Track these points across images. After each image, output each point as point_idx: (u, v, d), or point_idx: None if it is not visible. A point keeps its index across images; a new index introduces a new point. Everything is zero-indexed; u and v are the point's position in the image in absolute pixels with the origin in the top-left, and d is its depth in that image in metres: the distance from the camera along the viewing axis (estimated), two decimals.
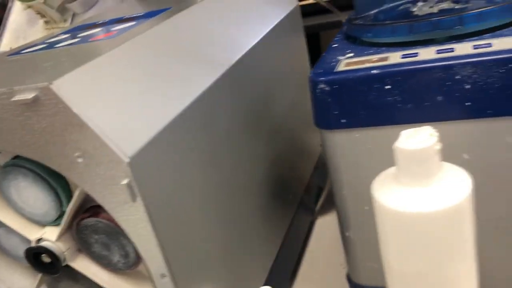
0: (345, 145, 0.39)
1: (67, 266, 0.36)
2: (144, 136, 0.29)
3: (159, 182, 0.30)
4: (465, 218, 0.31)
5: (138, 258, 0.35)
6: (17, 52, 0.40)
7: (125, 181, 0.28)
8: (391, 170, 0.33)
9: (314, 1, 0.79)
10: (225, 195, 0.38)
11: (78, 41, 0.38)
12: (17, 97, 0.27)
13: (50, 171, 0.33)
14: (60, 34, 0.45)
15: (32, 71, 0.31)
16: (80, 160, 0.28)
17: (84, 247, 0.36)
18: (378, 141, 0.38)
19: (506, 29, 0.36)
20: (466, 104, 0.34)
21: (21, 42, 0.72)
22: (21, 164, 0.33)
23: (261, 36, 0.47)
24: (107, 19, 0.46)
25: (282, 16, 0.53)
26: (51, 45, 0.39)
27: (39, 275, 0.39)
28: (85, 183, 0.29)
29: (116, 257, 0.35)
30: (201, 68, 0.37)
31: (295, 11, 0.57)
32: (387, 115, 0.36)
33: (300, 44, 0.59)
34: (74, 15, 0.68)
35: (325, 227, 0.60)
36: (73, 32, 0.43)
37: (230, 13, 0.46)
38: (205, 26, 0.41)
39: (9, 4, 0.75)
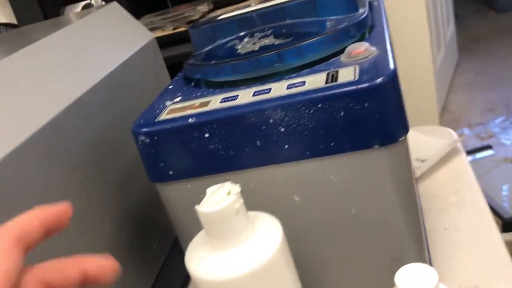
0: (178, 197, 0.37)
1: None
2: None
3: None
4: (280, 269, 0.29)
5: None
6: None
7: None
8: (202, 233, 0.31)
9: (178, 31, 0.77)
10: None
11: None
12: None
13: None
14: None
15: None
16: None
17: None
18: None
19: (323, 64, 0.35)
20: (285, 147, 0.33)
21: None
22: None
23: (104, 74, 0.44)
24: None
25: (132, 52, 0.50)
26: None
27: None
28: None
29: None
30: (5, 130, 0.34)
31: (149, 45, 0.55)
32: (210, 164, 0.34)
33: (161, 77, 0.56)
34: None
35: None
36: None
37: (56, 60, 0.42)
38: (17, 81, 0.38)
39: None
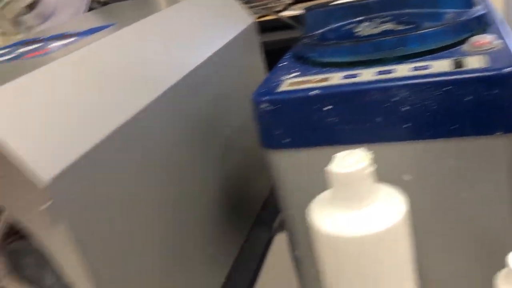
0: (289, 165, 0.39)
1: None
2: (65, 159, 0.28)
3: (84, 206, 0.29)
4: (400, 240, 0.31)
5: None
6: None
7: (44, 206, 0.26)
8: (327, 193, 0.33)
9: (276, 17, 0.79)
10: (165, 214, 0.37)
11: (12, 57, 0.37)
12: None
13: None
14: (4, 47, 0.43)
15: None
16: None
17: (15, 270, 0.34)
18: (320, 161, 0.37)
19: (446, 51, 0.36)
20: (405, 126, 0.34)
21: None
22: None
23: (208, 55, 0.46)
24: (51, 34, 0.45)
25: (235, 34, 0.52)
26: None
27: None
28: (8, 206, 0.28)
29: (50, 280, 0.34)
30: (137, 87, 0.36)
31: (250, 28, 0.57)
32: (327, 136, 0.36)
33: (256, 62, 0.58)
34: (28, 28, 0.66)
35: (284, 244, 0.59)
36: (14, 46, 0.42)
37: (177, 31, 0.45)
38: (147, 44, 0.41)
39: None
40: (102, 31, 0.40)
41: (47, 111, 0.29)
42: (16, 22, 0.66)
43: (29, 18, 0.64)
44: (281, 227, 0.61)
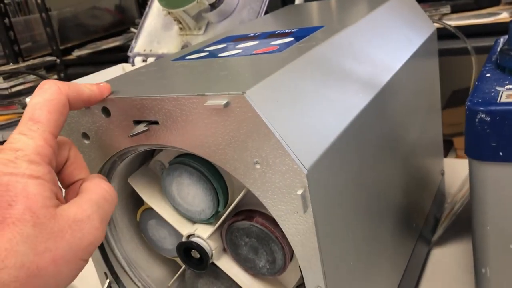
0: (498, 178, 0.38)
1: (212, 264, 0.38)
2: (319, 148, 0.30)
3: (326, 194, 0.31)
4: None
5: (284, 266, 0.36)
6: (179, 58, 0.43)
7: (300, 191, 0.29)
8: None
9: (441, 26, 0.77)
10: (369, 215, 0.38)
11: (241, 52, 0.40)
12: (209, 103, 0.29)
13: (213, 172, 0.35)
14: (214, 43, 0.47)
15: (217, 80, 0.33)
16: (257, 166, 0.30)
17: (231, 248, 0.37)
18: None
19: None
20: None
21: (155, 45, 0.77)
22: (188, 162, 0.35)
23: (405, 60, 0.47)
24: (256, 32, 0.48)
25: (422, 40, 0.52)
26: (213, 54, 0.42)
27: (181, 268, 0.42)
28: (258, 188, 0.30)
29: (262, 262, 0.36)
30: (358, 87, 0.38)
31: (433, 36, 0.57)
32: None
33: (434, 68, 0.58)
34: (208, 24, 0.71)
35: (441, 259, 0.58)
36: (226, 43, 0.46)
37: (379, 36, 0.46)
38: (359, 47, 0.42)
39: (146, 9, 0.81)
40: (315, 33, 0.42)
41: (304, 101, 0.31)
42: (199, 18, 0.71)
43: (211, 15, 0.69)
44: (439, 241, 0.60)
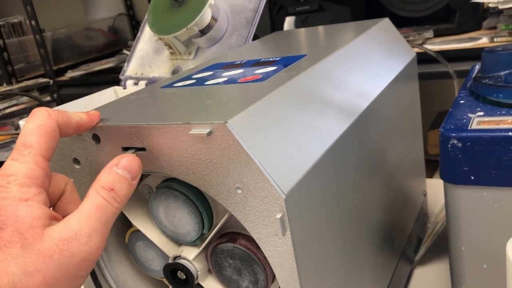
0: (470, 201, 0.40)
1: (197, 285, 0.40)
2: (297, 173, 0.32)
3: (305, 217, 0.32)
4: None
5: (266, 286, 0.37)
6: (168, 85, 0.45)
7: (278, 215, 0.30)
8: None
9: (422, 51, 0.80)
10: (349, 236, 0.39)
11: (226, 80, 0.42)
12: (193, 131, 0.31)
13: (198, 196, 0.37)
14: (202, 70, 0.49)
15: (202, 108, 0.35)
16: (239, 191, 0.31)
17: (216, 269, 0.39)
18: (508, 202, 0.38)
19: None
20: None
21: (146, 69, 0.79)
22: (174, 187, 0.37)
23: (384, 86, 0.49)
24: (242, 60, 0.50)
25: (402, 67, 0.55)
26: (200, 82, 0.44)
27: None
28: (240, 212, 0.32)
29: (245, 283, 0.38)
30: (337, 114, 0.40)
31: (413, 61, 0.59)
32: None
33: (414, 92, 0.60)
34: (198, 49, 0.74)
35: (423, 278, 0.59)
36: (213, 70, 0.48)
37: (359, 64, 0.48)
38: (339, 76, 0.44)
39: (138, 34, 0.83)
40: (298, 61, 0.44)
41: (283, 130, 0.33)
42: (189, 43, 0.73)
43: (200, 41, 0.71)
44: (422, 261, 0.62)
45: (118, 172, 0.31)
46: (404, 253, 0.57)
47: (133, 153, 0.34)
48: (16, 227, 0.26)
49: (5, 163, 0.29)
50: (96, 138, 0.36)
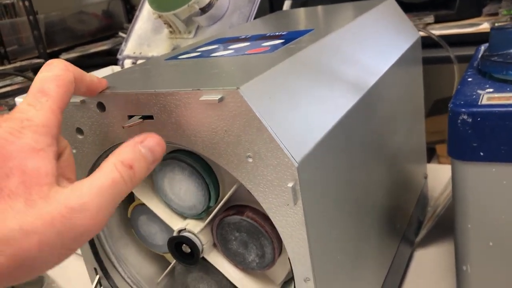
0: (479, 178, 0.39)
1: (202, 259, 0.39)
2: (309, 143, 0.31)
3: (316, 188, 0.32)
4: None
5: (273, 260, 0.37)
6: (172, 57, 0.44)
7: (290, 184, 0.30)
8: None
9: (425, 35, 0.79)
10: (355, 212, 0.39)
11: (232, 52, 0.41)
12: (204, 97, 0.30)
13: (205, 168, 0.36)
14: (206, 44, 0.48)
15: (210, 76, 0.34)
16: (250, 160, 0.31)
17: (221, 243, 0.38)
18: None
19: None
20: None
21: (145, 48, 0.78)
22: (181, 158, 0.36)
23: (391, 64, 0.48)
24: (247, 35, 0.49)
25: (407, 46, 0.54)
26: (206, 54, 0.43)
27: (171, 265, 0.42)
28: (250, 182, 0.31)
29: (251, 256, 0.37)
30: (346, 88, 0.39)
31: (418, 43, 0.59)
32: None
33: (418, 74, 0.60)
34: (198, 28, 0.72)
35: (424, 259, 0.59)
36: (219, 44, 0.47)
37: (366, 40, 0.48)
38: (347, 50, 0.43)
39: (136, 12, 0.82)
40: (306, 35, 0.43)
41: (296, 97, 0.33)
42: (189, 22, 0.72)
43: (201, 19, 0.70)
44: (422, 243, 0.62)
45: (141, 150, 0.29)
46: (405, 234, 0.57)
47: (139, 119, 0.33)
48: (22, 180, 0.25)
49: (19, 107, 0.27)
50: (101, 106, 0.35)
